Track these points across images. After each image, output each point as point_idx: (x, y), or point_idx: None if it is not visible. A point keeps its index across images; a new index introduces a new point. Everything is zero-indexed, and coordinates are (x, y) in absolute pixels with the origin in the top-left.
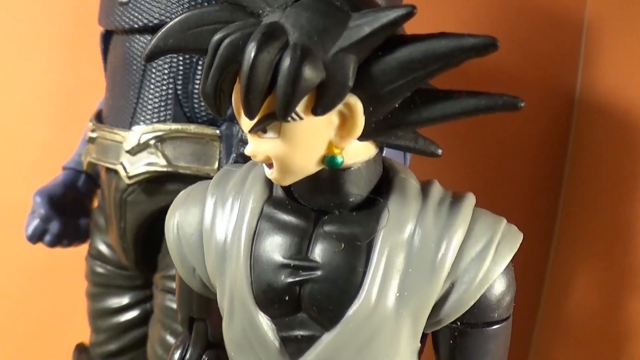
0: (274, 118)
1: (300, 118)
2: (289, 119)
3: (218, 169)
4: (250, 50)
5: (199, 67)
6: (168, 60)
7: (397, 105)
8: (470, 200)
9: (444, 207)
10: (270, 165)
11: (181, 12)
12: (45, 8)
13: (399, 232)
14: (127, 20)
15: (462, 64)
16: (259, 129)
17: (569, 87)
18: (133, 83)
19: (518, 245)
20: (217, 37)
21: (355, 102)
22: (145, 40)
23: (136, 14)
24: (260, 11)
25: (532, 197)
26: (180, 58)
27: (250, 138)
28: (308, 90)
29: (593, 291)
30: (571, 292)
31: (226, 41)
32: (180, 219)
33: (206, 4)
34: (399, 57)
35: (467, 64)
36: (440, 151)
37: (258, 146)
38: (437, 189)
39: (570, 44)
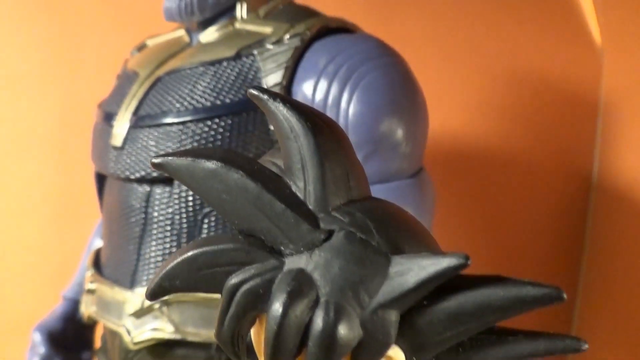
0: None
1: None
2: None
3: None
4: (276, 314)
5: (205, 224)
6: (170, 215)
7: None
8: None
9: None
10: None
11: None
12: (34, 105)
13: None
14: (122, 168)
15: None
16: None
17: (585, 169)
18: (132, 237)
19: None
20: (232, 281)
21: (396, 353)
22: (143, 191)
23: (132, 163)
24: (282, 247)
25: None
26: (184, 214)
27: None
28: (343, 355)
29: None
30: None
31: (244, 288)
32: None
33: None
34: (448, 308)
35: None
36: None
37: None
38: None
39: (586, 125)
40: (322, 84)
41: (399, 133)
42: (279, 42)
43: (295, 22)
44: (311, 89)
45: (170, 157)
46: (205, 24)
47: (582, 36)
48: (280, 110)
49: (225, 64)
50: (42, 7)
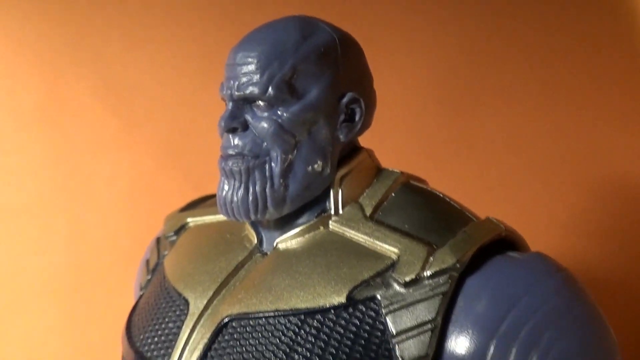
0: None
1: None
2: None
3: None
4: None
5: None
6: None
7: None
8: None
9: None
10: None
11: None
12: (38, 245)
13: None
14: None
15: None
16: None
17: None
18: None
19: None
20: None
21: None
22: None
23: None
24: None
25: None
26: None
27: None
28: None
29: None
30: None
31: None
32: None
33: None
34: None
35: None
36: None
37: None
38: None
39: None
40: (496, 352)
41: None
42: (415, 282)
43: (431, 236)
44: (477, 358)
45: None
46: (283, 221)
47: None
48: None
49: (332, 316)
50: (36, 128)
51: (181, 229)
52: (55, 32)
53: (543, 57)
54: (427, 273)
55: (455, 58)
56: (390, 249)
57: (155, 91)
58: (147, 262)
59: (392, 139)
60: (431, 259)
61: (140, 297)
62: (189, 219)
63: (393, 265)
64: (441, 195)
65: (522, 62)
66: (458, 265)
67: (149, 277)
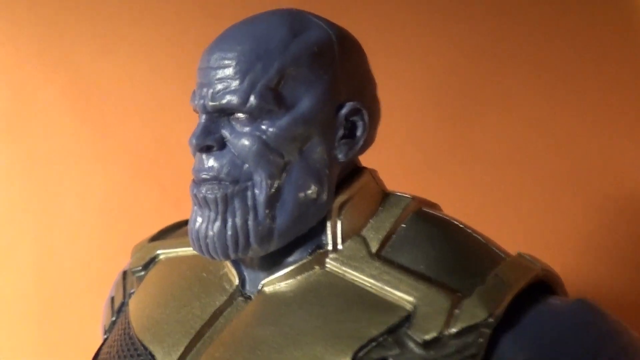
0: None
1: None
2: None
3: None
4: None
5: None
6: None
7: None
8: None
9: None
10: None
11: None
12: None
13: None
14: None
15: None
16: None
17: None
18: None
19: None
20: None
21: None
22: None
23: None
24: None
25: None
26: None
27: None
28: None
29: None
30: None
31: None
32: None
33: None
34: None
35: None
36: None
37: None
38: None
39: None
40: None
41: None
42: (437, 342)
43: (453, 280)
44: None
45: None
46: (270, 259)
47: None
48: None
49: None
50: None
51: (150, 262)
52: (21, 32)
53: (549, 61)
54: (452, 330)
55: (456, 62)
56: (403, 298)
57: (130, 97)
58: (112, 300)
59: (388, 149)
60: (457, 311)
61: (104, 342)
62: (160, 251)
63: (408, 318)
64: (461, 226)
65: (528, 66)
66: (491, 320)
67: (114, 318)
